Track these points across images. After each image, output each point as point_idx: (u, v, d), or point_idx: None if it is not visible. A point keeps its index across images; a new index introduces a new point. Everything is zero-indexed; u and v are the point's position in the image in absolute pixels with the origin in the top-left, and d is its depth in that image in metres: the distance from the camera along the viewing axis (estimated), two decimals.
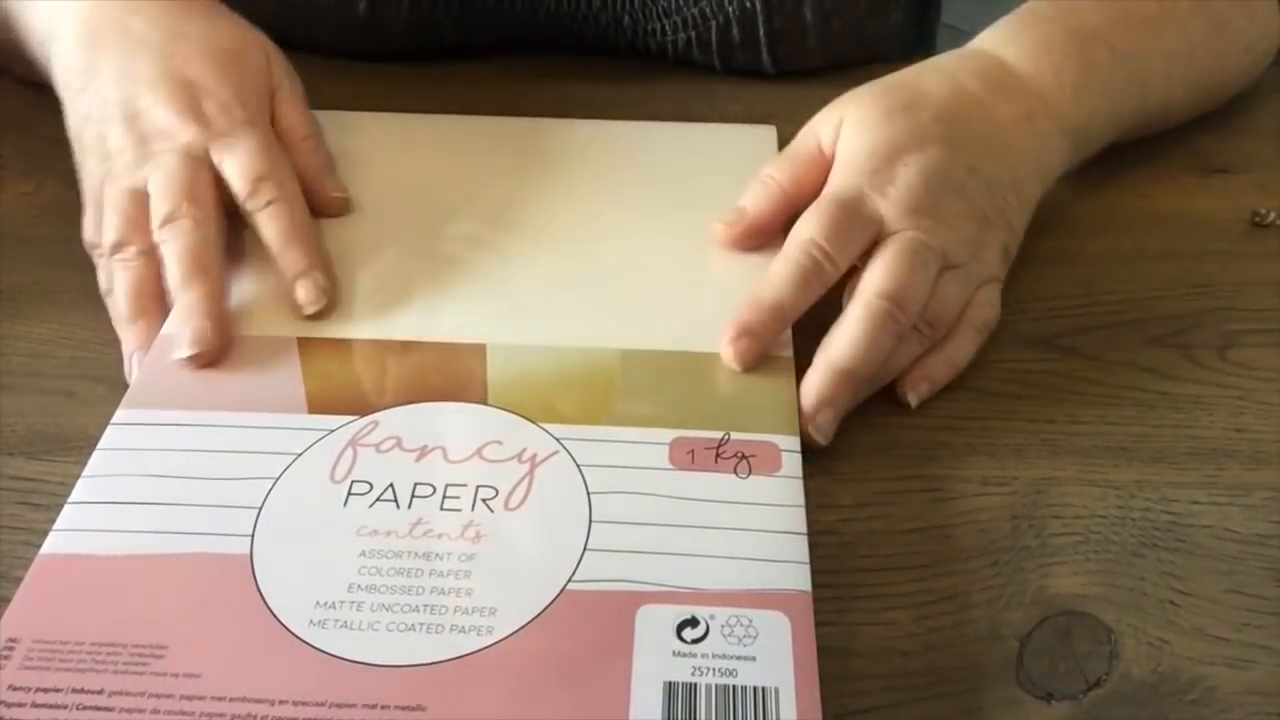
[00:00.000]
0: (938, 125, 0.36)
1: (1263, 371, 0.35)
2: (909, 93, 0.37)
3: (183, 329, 0.33)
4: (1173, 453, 0.33)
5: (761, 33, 0.46)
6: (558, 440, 0.31)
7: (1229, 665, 0.28)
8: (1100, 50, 0.39)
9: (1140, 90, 0.41)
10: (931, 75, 0.38)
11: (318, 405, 0.31)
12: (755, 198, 0.37)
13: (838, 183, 0.35)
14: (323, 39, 0.48)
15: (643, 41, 0.48)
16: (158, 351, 0.33)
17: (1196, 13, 0.42)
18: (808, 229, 0.34)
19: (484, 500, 0.29)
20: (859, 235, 0.34)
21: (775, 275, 0.33)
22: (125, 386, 0.33)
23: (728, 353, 0.33)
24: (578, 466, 0.30)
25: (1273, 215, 0.41)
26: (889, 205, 0.34)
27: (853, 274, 0.34)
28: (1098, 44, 0.39)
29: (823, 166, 0.36)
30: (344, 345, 0.34)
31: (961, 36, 0.42)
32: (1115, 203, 0.42)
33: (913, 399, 0.34)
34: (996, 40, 0.39)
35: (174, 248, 0.34)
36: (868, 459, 0.33)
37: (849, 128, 0.36)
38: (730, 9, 0.46)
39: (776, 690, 0.25)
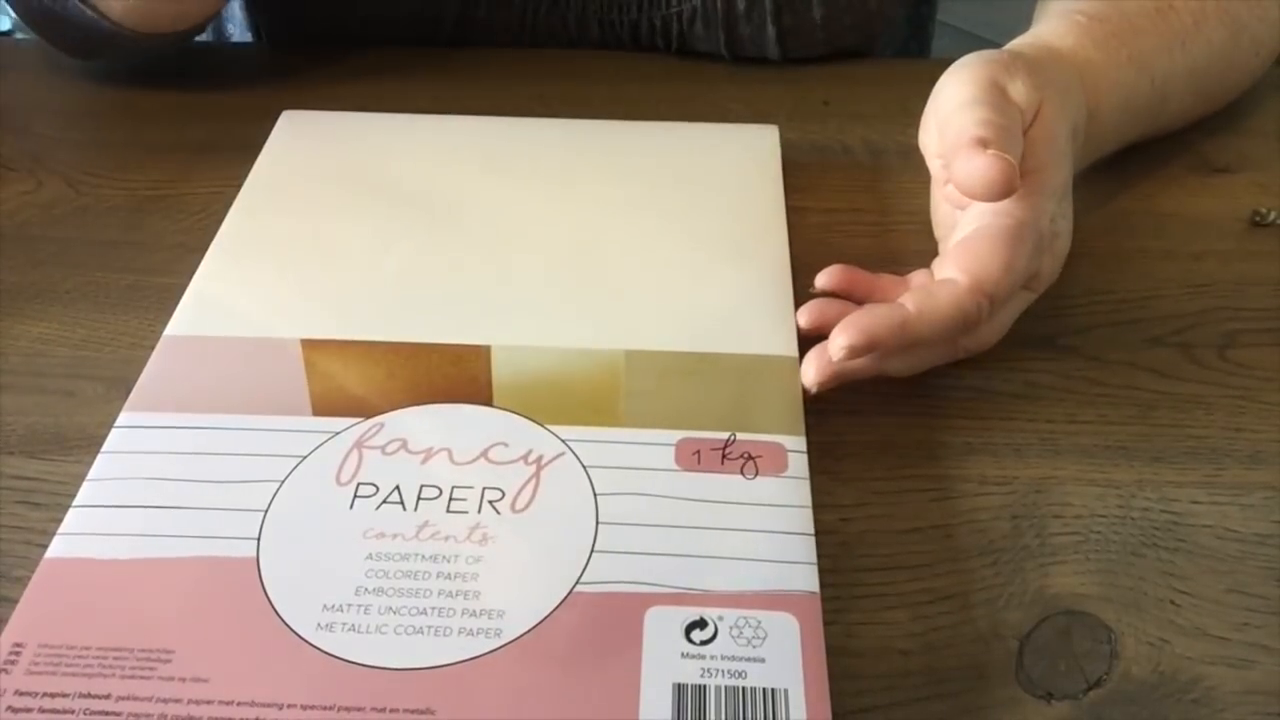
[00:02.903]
0: (1073, 163, 0.36)
1: (1263, 371, 0.36)
2: (1075, 115, 0.36)
3: None
4: (1173, 453, 0.33)
5: (766, 1, 0.46)
6: (564, 442, 0.31)
7: (1229, 665, 0.28)
8: (1144, 81, 0.39)
9: (1158, 112, 0.41)
10: (1075, 88, 0.37)
11: (322, 408, 0.31)
12: (1007, 151, 0.32)
13: (1023, 222, 0.33)
14: (318, 28, 0.48)
15: (647, 19, 0.48)
16: (161, 354, 0.33)
17: (1220, 21, 0.41)
18: (991, 279, 0.32)
19: (491, 502, 0.29)
20: (1017, 303, 0.34)
21: (940, 312, 0.32)
22: (125, 386, 0.33)
23: (840, 349, 0.31)
24: (584, 468, 0.30)
25: (1273, 215, 0.41)
26: (1049, 257, 0.35)
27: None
28: (1144, 75, 0.39)
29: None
30: (348, 347, 0.34)
31: (960, 36, 0.42)
32: (1115, 203, 0.42)
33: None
34: (1078, 52, 0.39)
35: None
36: (868, 459, 0.33)
37: (1043, 134, 0.34)
38: None
39: (786, 692, 0.25)
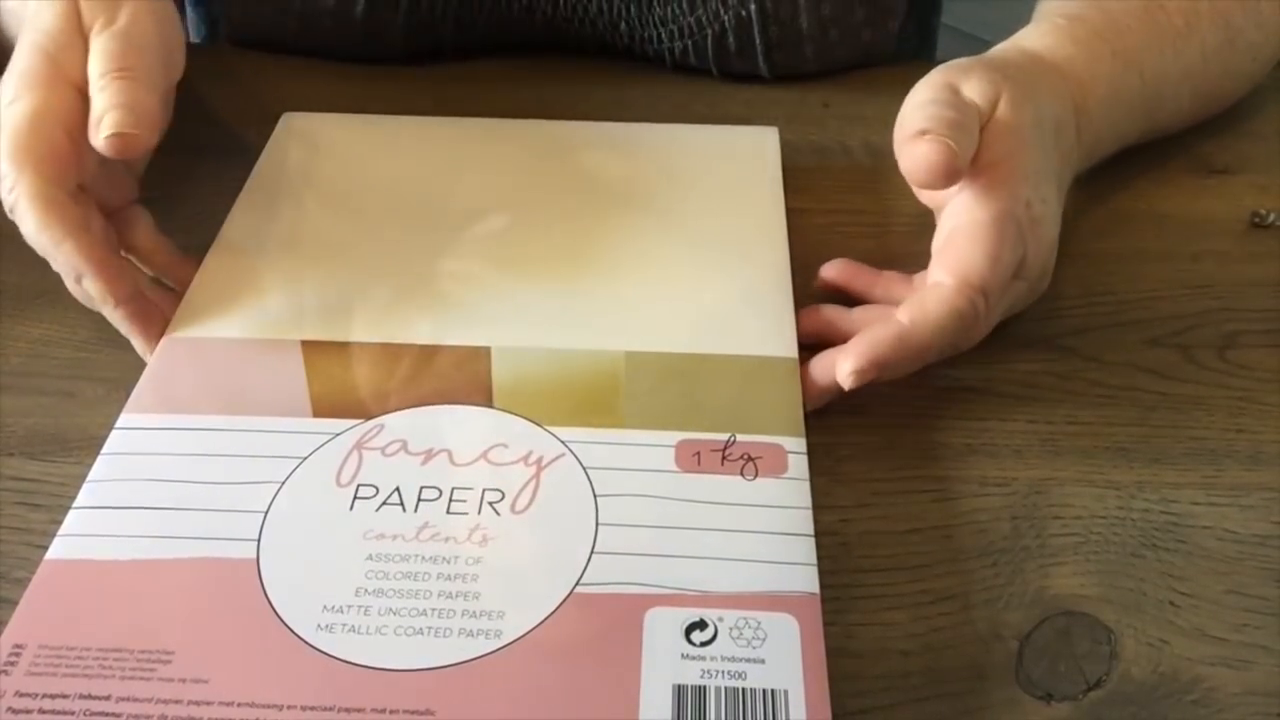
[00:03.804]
0: (1060, 155, 0.36)
1: (1262, 371, 0.36)
2: (1048, 107, 0.36)
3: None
4: (1173, 453, 0.33)
5: (758, 41, 0.46)
6: (563, 443, 0.31)
7: (1229, 665, 0.28)
8: (1133, 76, 0.40)
9: (1153, 109, 0.41)
10: (1048, 82, 0.37)
11: (323, 409, 0.31)
12: (963, 148, 0.33)
13: (998, 210, 0.33)
14: (318, 44, 0.48)
15: (640, 49, 0.48)
16: (162, 355, 0.33)
17: (1214, 24, 0.42)
18: (979, 274, 0.32)
19: (491, 503, 0.29)
20: (1011, 294, 0.34)
21: (934, 318, 0.32)
22: (125, 387, 0.33)
23: (847, 377, 0.32)
24: (584, 469, 0.30)
25: (1273, 215, 0.41)
26: (1034, 242, 0.34)
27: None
28: (1131, 70, 0.40)
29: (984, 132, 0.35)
30: (348, 348, 0.34)
31: (961, 38, 0.42)
32: (1115, 203, 0.43)
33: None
34: (1056, 51, 0.39)
35: None
36: (868, 459, 0.33)
37: (1004, 123, 0.34)
38: (726, 18, 0.46)
39: (786, 693, 0.25)
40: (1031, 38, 0.40)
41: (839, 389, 0.33)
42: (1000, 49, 0.39)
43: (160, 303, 0.35)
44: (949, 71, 0.35)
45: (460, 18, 0.47)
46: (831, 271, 0.37)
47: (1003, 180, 0.34)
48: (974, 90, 0.35)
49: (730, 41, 0.46)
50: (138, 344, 0.34)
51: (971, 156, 0.33)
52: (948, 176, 0.32)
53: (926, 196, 0.37)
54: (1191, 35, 0.41)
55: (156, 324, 0.34)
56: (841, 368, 0.32)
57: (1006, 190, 0.33)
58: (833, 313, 0.36)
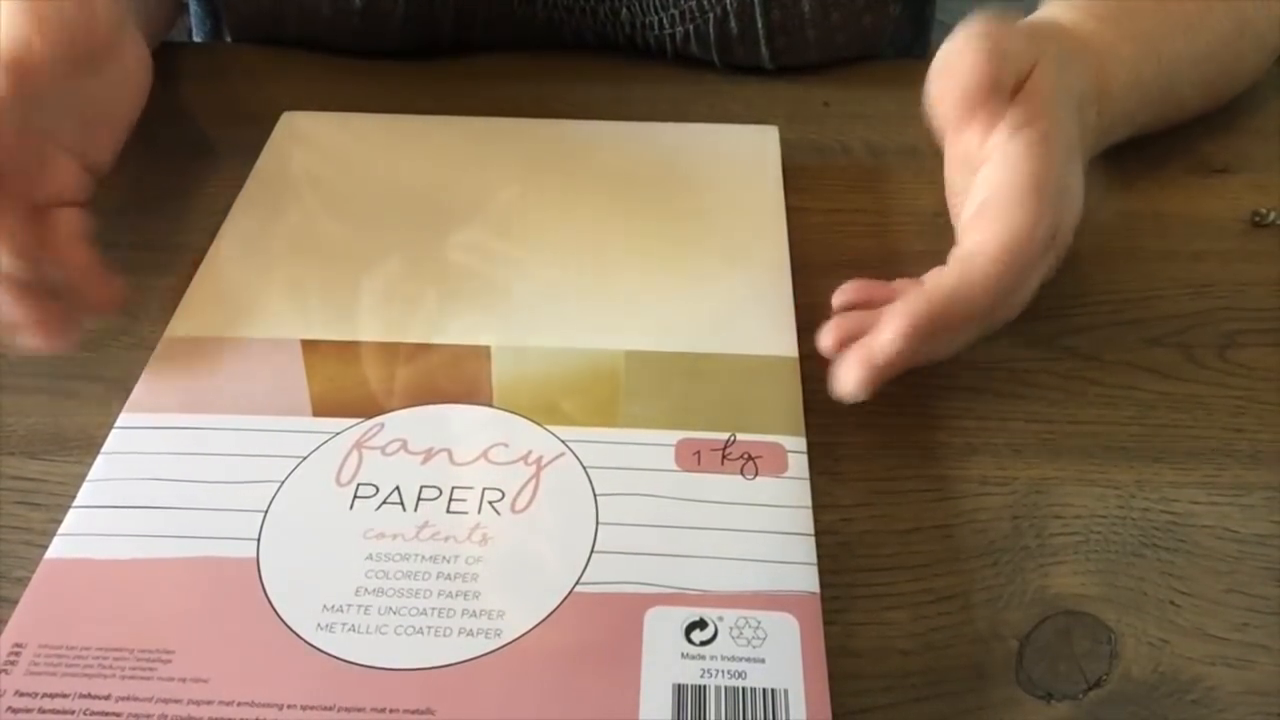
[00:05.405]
0: (1083, 133, 0.35)
1: (1262, 371, 0.36)
2: (1078, 83, 0.36)
3: None
4: (1173, 453, 0.33)
5: (759, 25, 0.46)
6: (564, 442, 0.31)
7: (1229, 665, 0.28)
8: (1150, 61, 0.39)
9: (1165, 97, 0.41)
10: (1078, 58, 0.37)
11: (323, 408, 0.31)
12: (1005, 71, 0.32)
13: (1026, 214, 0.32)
14: (317, 35, 0.48)
15: (641, 36, 0.48)
16: (162, 355, 0.33)
17: (1225, 13, 0.42)
18: (1026, 233, 0.31)
19: (491, 503, 0.29)
20: (1043, 266, 0.34)
21: (975, 276, 0.31)
22: (126, 386, 0.33)
23: (896, 338, 0.30)
24: (584, 468, 0.30)
25: (1273, 215, 0.41)
26: (1066, 211, 0.33)
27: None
28: (1149, 56, 0.39)
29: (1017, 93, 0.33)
30: (348, 347, 0.34)
31: None
32: (1115, 203, 0.42)
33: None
34: (1081, 27, 0.38)
35: None
36: (868, 459, 0.33)
37: (1038, 86, 0.33)
38: (728, 1, 0.46)
39: (786, 692, 0.25)
40: (1057, 12, 0.39)
41: (878, 380, 0.31)
42: (1030, 19, 0.39)
43: (55, 311, 0.32)
44: (988, 22, 0.33)
45: (460, 9, 0.47)
46: (843, 297, 0.34)
47: (1037, 140, 0.32)
48: (1015, 44, 0.33)
49: (732, 26, 0.46)
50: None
51: (1010, 89, 0.32)
52: (990, 88, 0.30)
53: (955, 163, 0.35)
54: (1204, 23, 0.41)
55: (36, 309, 0.31)
56: (885, 333, 0.30)
57: (1043, 150, 0.32)
58: (853, 320, 0.33)
